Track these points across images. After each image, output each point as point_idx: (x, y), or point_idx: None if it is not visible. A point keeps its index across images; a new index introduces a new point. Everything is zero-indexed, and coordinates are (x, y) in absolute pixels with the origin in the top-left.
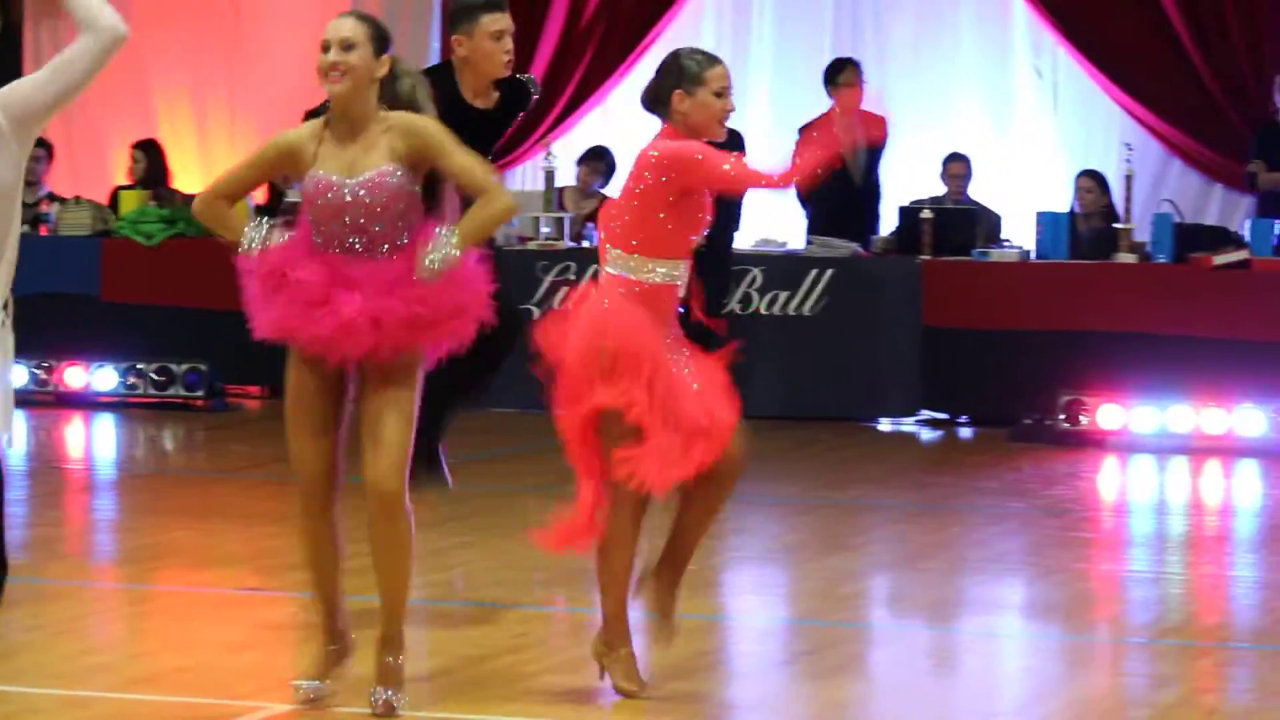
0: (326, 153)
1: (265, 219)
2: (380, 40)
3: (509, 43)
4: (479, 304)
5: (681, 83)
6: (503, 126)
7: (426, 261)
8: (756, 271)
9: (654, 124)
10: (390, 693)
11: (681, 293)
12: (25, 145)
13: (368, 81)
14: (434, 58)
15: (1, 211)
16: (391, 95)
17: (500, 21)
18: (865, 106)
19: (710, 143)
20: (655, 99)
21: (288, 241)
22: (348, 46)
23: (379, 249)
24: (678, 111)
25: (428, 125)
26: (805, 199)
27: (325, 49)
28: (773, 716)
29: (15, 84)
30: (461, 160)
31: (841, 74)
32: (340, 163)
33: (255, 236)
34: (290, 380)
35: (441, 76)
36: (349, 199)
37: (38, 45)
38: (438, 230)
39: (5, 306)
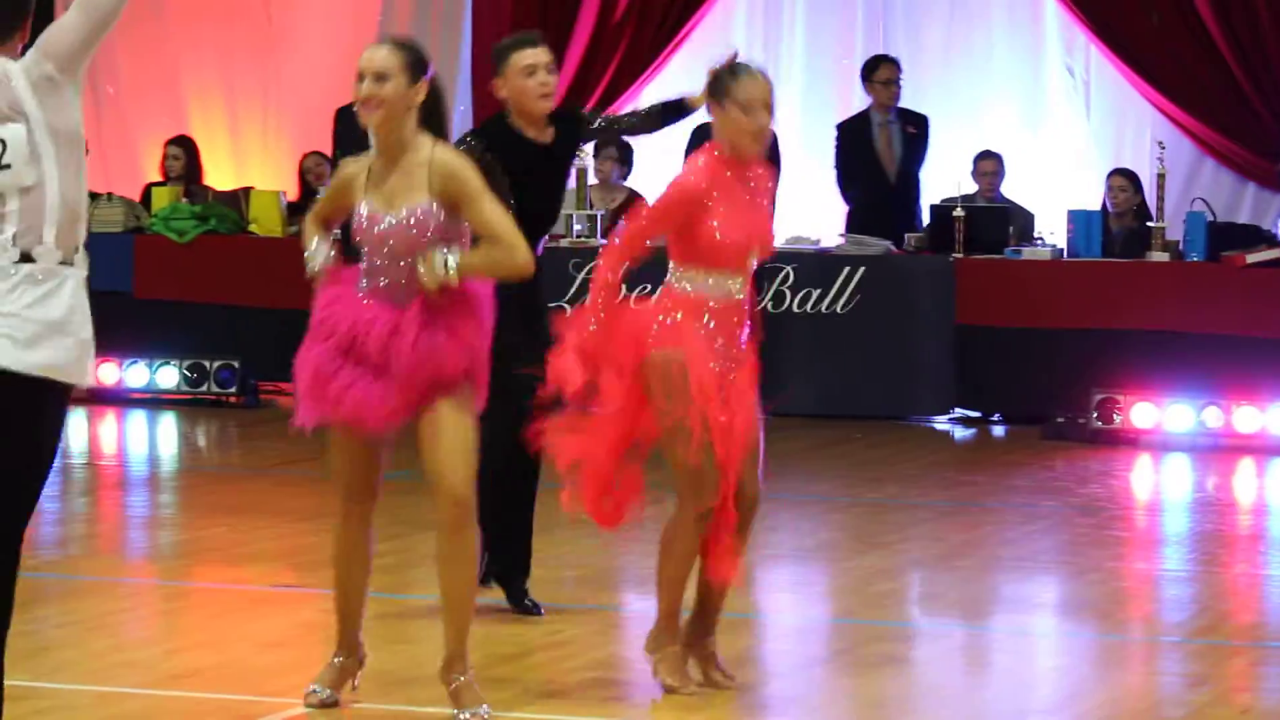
0: (373, 184)
1: (322, 240)
2: (416, 67)
3: (543, 75)
4: (481, 335)
5: (715, 95)
6: (565, 162)
7: (421, 273)
8: (789, 269)
9: (683, 126)
10: (472, 711)
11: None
12: (78, 85)
13: (404, 111)
14: (465, 63)
15: (74, 155)
16: (425, 112)
17: (529, 56)
18: (903, 104)
19: None
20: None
21: (333, 283)
22: (381, 78)
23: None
24: (715, 124)
25: (464, 171)
26: (846, 192)
27: (360, 78)
28: (809, 714)
29: (51, 29)
30: (489, 211)
31: (877, 71)
32: (381, 195)
33: (315, 257)
34: None
35: (497, 126)
36: (390, 230)
37: None
38: (440, 249)
39: (77, 251)
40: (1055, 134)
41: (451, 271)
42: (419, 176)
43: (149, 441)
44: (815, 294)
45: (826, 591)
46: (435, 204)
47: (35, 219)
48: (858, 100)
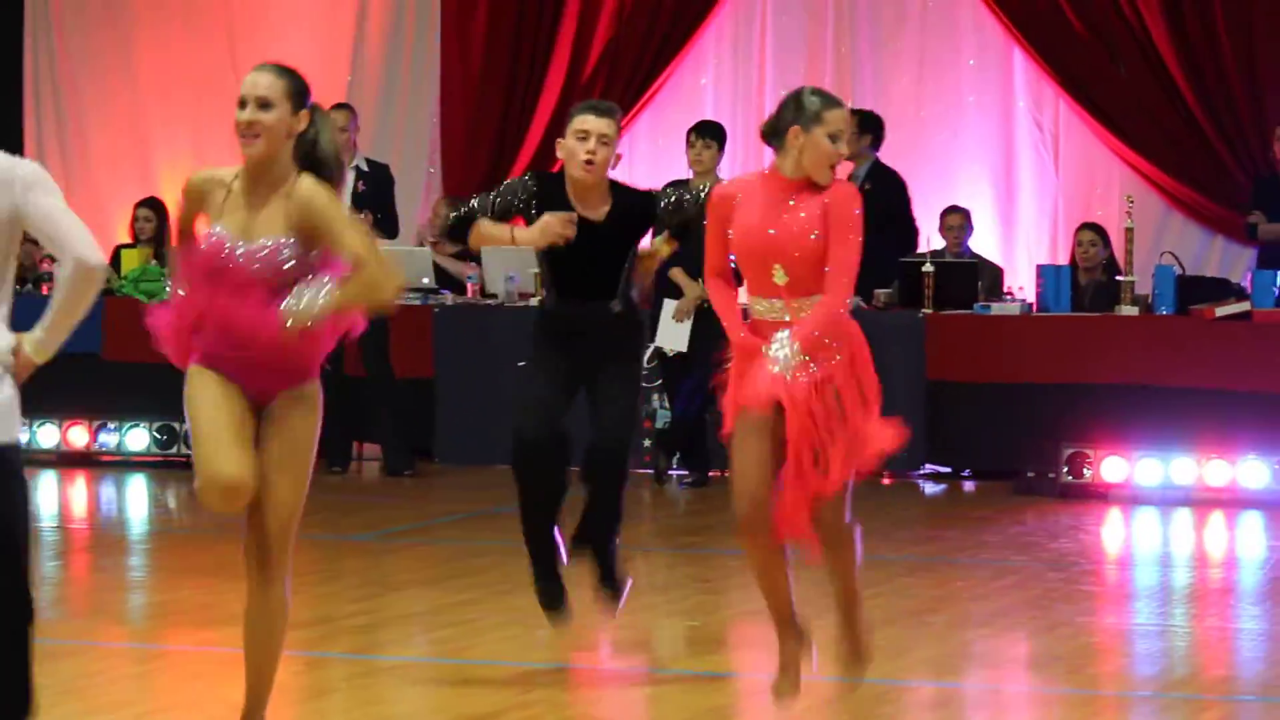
0: (231, 206)
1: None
2: (299, 95)
3: (592, 144)
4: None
5: (799, 118)
6: (617, 241)
7: (286, 309)
8: None
9: (659, 177)
10: None
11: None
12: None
13: (283, 139)
14: (434, 113)
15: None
16: (301, 146)
17: (585, 122)
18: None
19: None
20: (774, 131)
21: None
22: (264, 105)
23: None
24: (792, 147)
25: (321, 204)
26: None
27: (241, 105)
28: None
29: (44, 201)
30: (350, 241)
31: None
32: (236, 222)
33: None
34: None
35: (553, 183)
36: (238, 263)
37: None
38: (308, 283)
39: None
40: (1023, 188)
41: (317, 307)
42: (281, 210)
43: (119, 504)
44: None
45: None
46: (293, 239)
47: None
48: None
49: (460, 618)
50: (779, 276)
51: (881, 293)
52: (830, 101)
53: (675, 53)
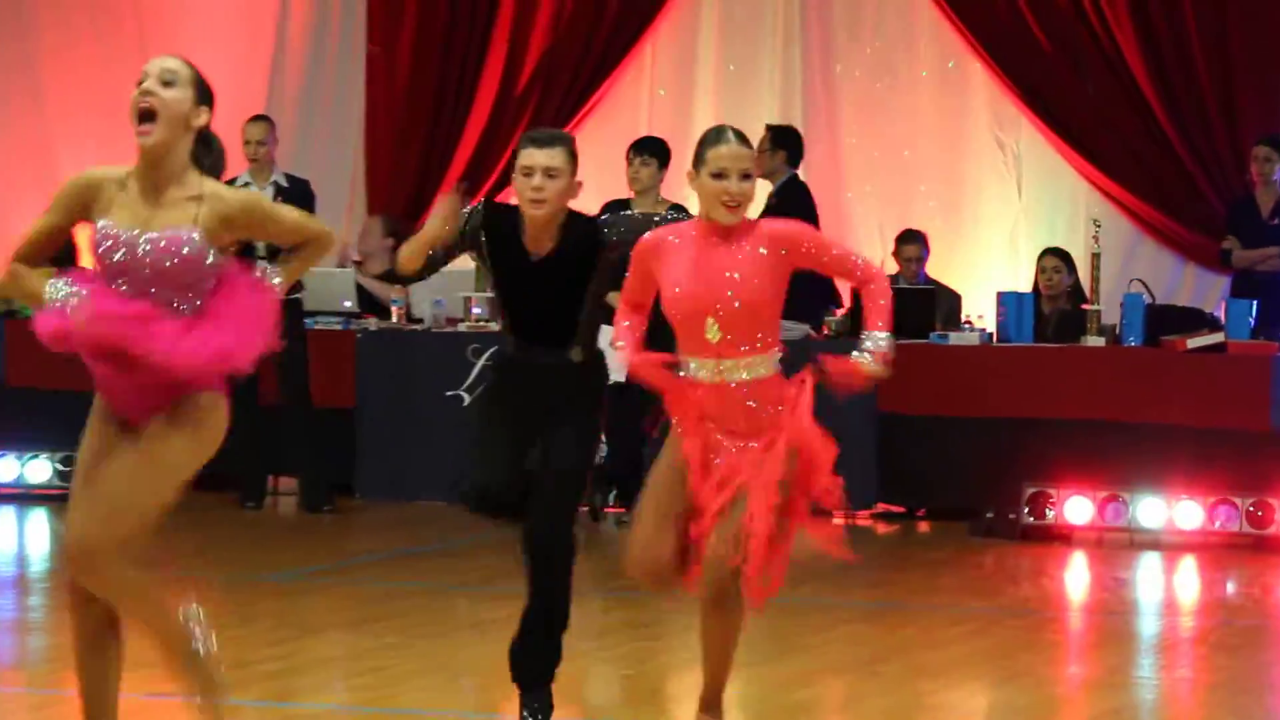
0: (123, 201)
1: (63, 277)
2: (204, 89)
3: (538, 179)
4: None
5: (695, 161)
6: (564, 278)
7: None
8: None
9: (600, 195)
10: None
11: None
12: None
13: (183, 128)
14: (361, 76)
15: None
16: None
17: (529, 157)
18: (815, 178)
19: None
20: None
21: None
22: (167, 81)
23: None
24: (696, 192)
25: (248, 200)
26: None
27: (141, 81)
28: None
29: None
30: (290, 215)
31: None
32: (134, 216)
33: (57, 294)
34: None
35: (507, 216)
36: (137, 255)
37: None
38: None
39: None
40: (983, 211)
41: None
42: (186, 210)
43: (18, 539)
44: None
45: (741, 699)
46: (198, 233)
47: None
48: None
49: (381, 663)
50: (712, 333)
51: (832, 320)
52: (715, 138)
53: (615, 64)
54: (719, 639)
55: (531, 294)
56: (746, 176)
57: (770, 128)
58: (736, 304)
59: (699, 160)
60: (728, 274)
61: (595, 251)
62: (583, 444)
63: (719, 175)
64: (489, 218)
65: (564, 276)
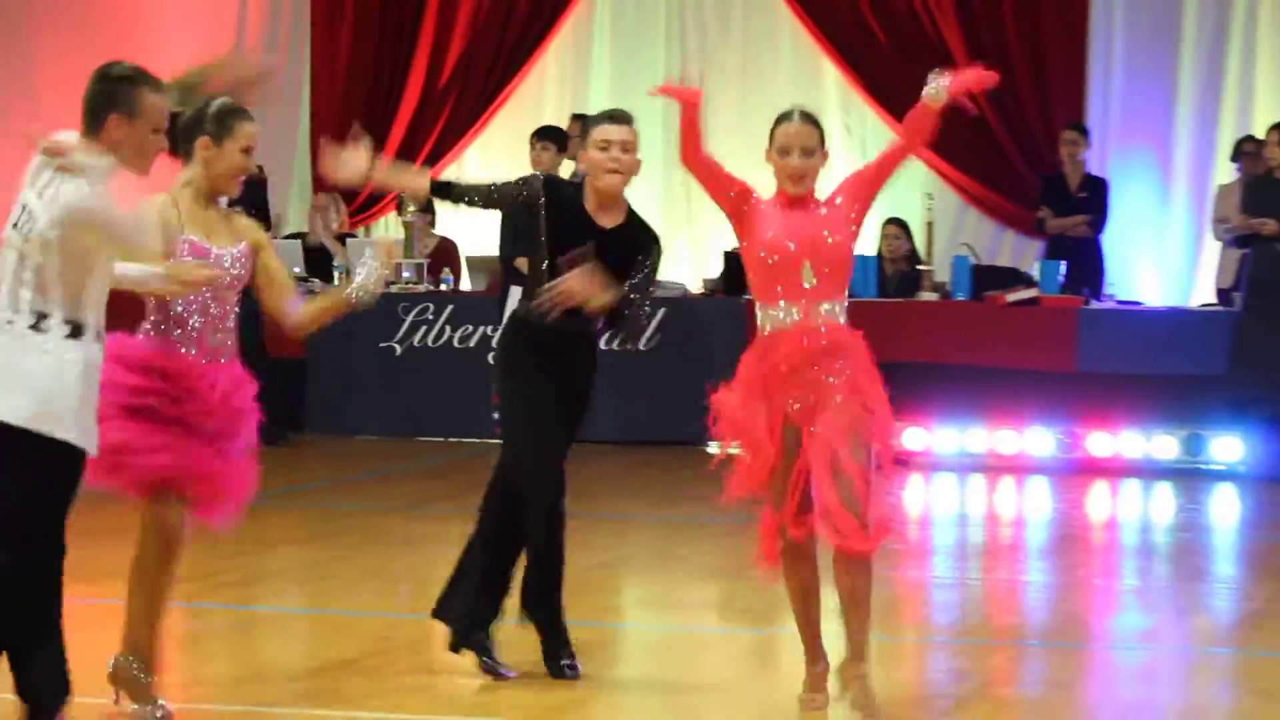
0: (188, 220)
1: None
2: None
3: (616, 152)
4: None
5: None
6: (620, 254)
7: (359, 289)
8: None
9: (508, 173)
10: None
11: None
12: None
13: None
14: (304, 127)
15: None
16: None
17: (607, 132)
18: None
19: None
20: None
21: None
22: (247, 150)
23: (224, 324)
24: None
25: (261, 232)
26: None
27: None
28: (611, 710)
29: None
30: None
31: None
32: (204, 228)
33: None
34: None
35: (572, 185)
36: (223, 266)
37: None
38: (365, 257)
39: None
40: (835, 185)
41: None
42: (226, 226)
43: None
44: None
45: (631, 600)
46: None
47: None
48: (659, 159)
49: (328, 573)
50: (807, 278)
51: (707, 281)
52: (783, 118)
53: (522, 63)
54: (863, 591)
55: (600, 257)
56: (809, 152)
57: (575, 117)
58: (827, 250)
59: (771, 138)
60: (818, 229)
61: (649, 245)
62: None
63: (784, 151)
64: (548, 188)
65: (625, 250)
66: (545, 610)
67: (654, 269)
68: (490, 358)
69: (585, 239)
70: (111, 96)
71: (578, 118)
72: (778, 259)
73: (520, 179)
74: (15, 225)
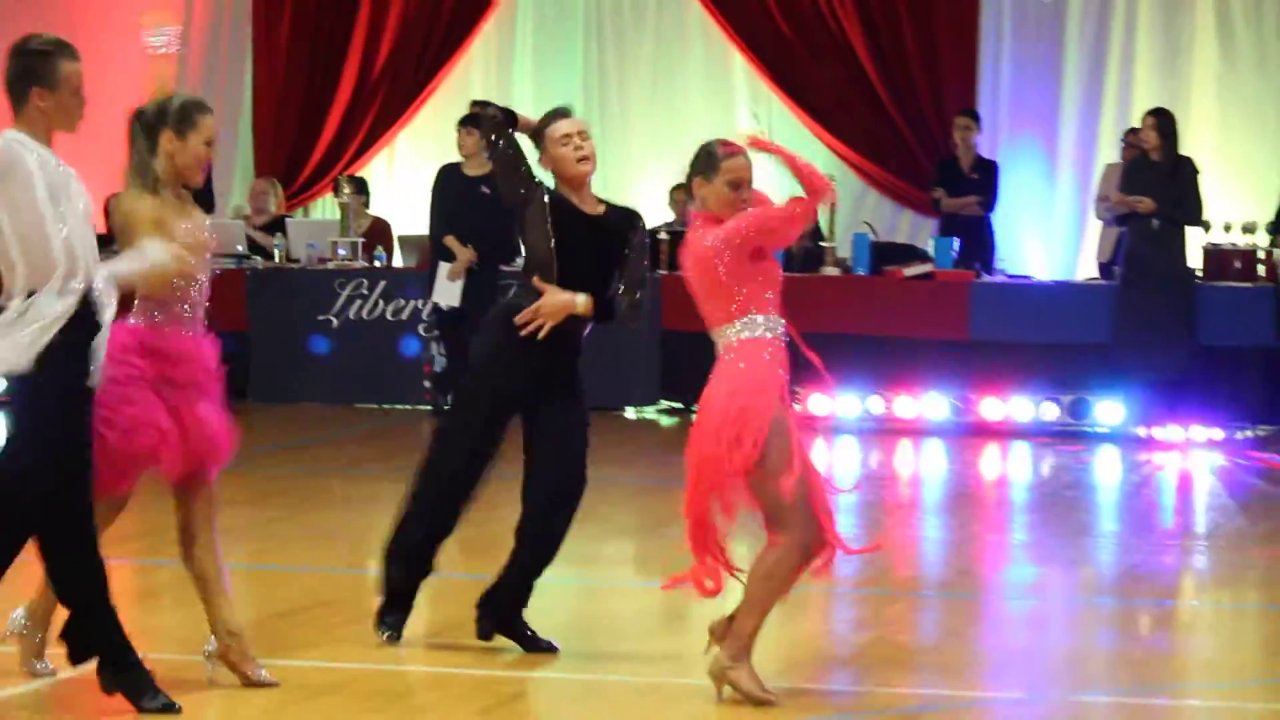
0: (169, 205)
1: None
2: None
3: (579, 141)
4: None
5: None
6: (614, 238)
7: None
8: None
9: (434, 159)
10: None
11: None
12: None
13: None
14: (247, 115)
15: None
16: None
17: (563, 127)
18: (610, 146)
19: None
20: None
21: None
22: (209, 143)
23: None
24: (697, 196)
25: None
26: None
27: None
28: (538, 657)
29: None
30: None
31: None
32: (180, 216)
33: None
34: None
35: (558, 190)
36: (209, 241)
37: None
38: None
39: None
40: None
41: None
42: (190, 204)
43: None
44: None
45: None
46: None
47: None
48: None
49: (272, 531)
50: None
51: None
52: (724, 155)
53: (449, 55)
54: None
55: (589, 247)
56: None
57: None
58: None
59: (717, 168)
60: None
61: (633, 226)
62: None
63: (737, 186)
64: (548, 190)
65: (613, 235)
66: (514, 625)
67: (642, 250)
68: (422, 329)
69: (581, 232)
70: (30, 71)
71: (467, 121)
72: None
73: (539, 184)
74: None
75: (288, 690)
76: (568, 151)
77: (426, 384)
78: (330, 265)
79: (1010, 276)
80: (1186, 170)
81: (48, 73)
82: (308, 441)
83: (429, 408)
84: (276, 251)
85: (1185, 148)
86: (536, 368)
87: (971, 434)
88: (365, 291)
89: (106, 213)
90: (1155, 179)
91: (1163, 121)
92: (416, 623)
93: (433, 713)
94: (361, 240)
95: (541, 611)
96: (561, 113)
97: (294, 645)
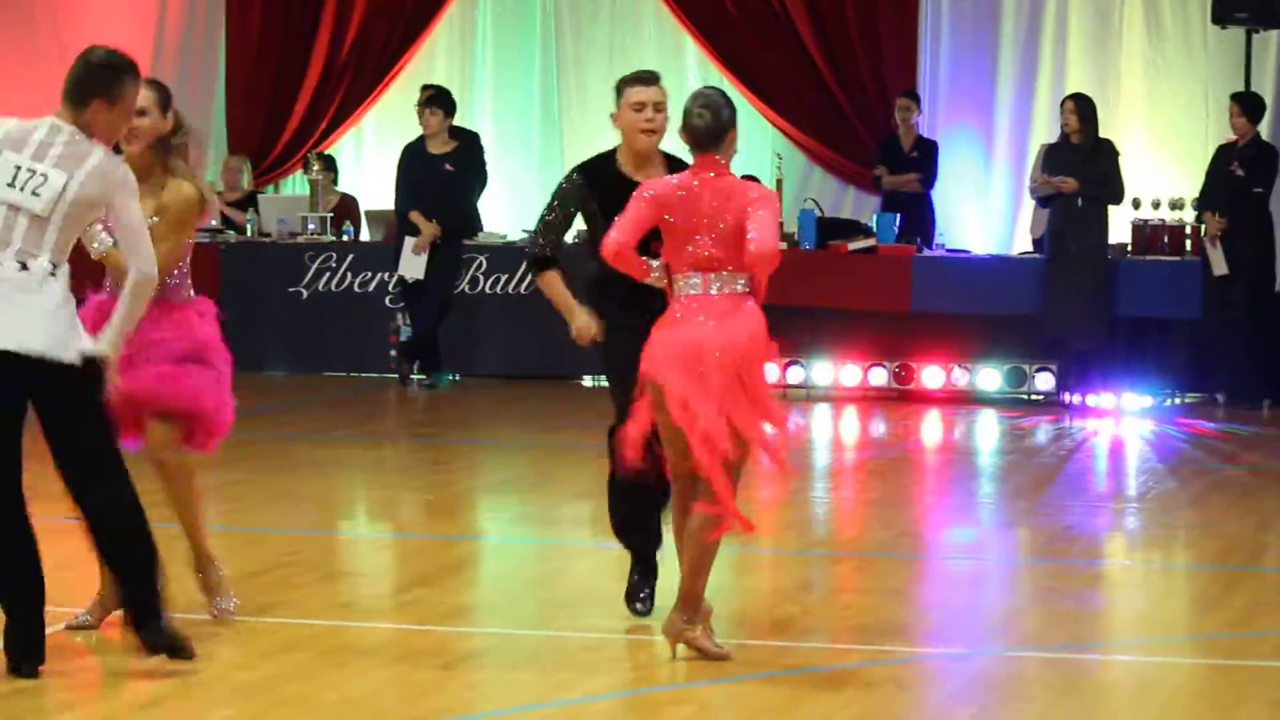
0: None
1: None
2: (167, 101)
3: (650, 113)
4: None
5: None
6: None
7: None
8: (483, 258)
9: (400, 138)
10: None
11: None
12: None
13: (155, 137)
14: (220, 96)
15: None
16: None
17: (641, 94)
18: (570, 128)
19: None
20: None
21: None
22: (140, 112)
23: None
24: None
25: (176, 197)
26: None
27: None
28: (497, 615)
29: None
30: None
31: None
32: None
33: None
34: None
35: (604, 158)
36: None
37: None
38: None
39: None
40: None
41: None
42: (157, 196)
43: None
44: (503, 278)
45: (516, 516)
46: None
47: None
48: (537, 120)
49: (241, 493)
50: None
51: (578, 233)
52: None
53: (415, 38)
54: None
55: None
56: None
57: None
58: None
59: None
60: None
61: None
62: None
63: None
64: (587, 175)
65: None
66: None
67: None
68: (389, 300)
69: (626, 198)
70: (99, 84)
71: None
72: None
73: (562, 185)
74: (11, 183)
75: (255, 646)
76: (637, 119)
77: (393, 353)
78: (300, 239)
79: (950, 250)
80: (1106, 151)
81: (113, 89)
82: (275, 407)
83: (394, 376)
84: (249, 226)
85: (1116, 127)
86: (641, 325)
87: (913, 401)
88: (334, 264)
89: None
90: (1076, 160)
91: (1082, 105)
92: (383, 582)
93: (395, 667)
94: (330, 215)
95: (503, 573)
96: (644, 77)
97: (262, 603)
